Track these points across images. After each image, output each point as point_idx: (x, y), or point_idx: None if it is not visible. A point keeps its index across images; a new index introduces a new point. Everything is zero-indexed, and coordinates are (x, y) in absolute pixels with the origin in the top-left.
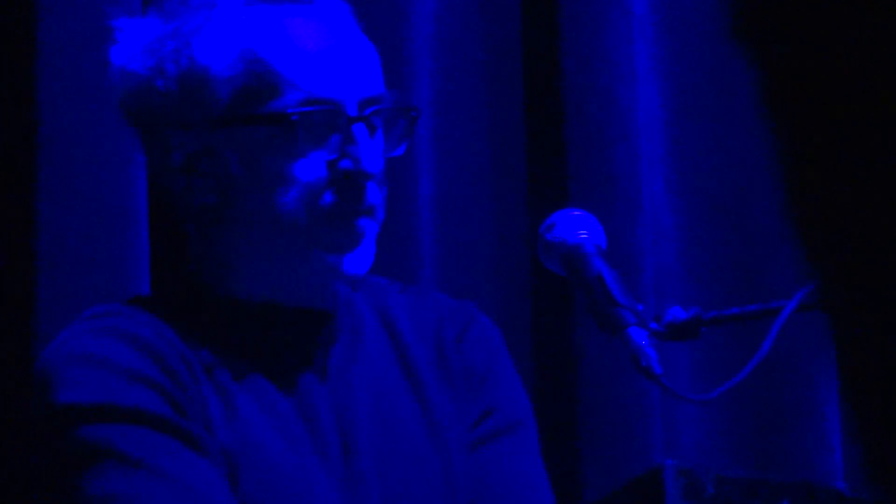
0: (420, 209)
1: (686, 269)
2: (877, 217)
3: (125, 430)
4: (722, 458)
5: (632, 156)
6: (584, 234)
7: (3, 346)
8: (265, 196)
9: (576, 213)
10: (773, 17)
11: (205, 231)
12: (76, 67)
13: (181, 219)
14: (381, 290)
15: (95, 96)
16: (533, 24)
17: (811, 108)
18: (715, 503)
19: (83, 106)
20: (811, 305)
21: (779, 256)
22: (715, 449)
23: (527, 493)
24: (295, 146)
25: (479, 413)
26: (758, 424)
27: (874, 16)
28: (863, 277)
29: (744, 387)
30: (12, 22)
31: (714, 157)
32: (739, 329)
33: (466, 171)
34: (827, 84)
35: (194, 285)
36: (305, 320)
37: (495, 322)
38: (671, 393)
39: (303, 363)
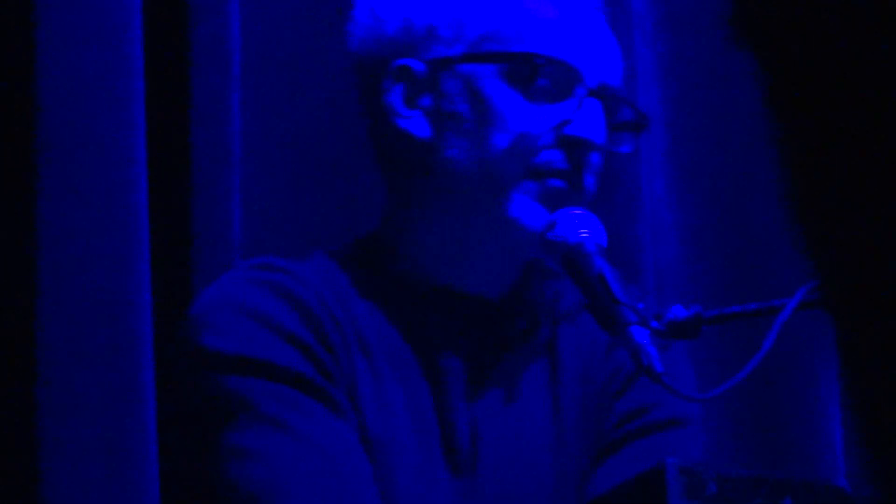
0: None
1: (687, 268)
2: (878, 214)
3: (264, 385)
4: (723, 456)
5: (632, 154)
6: (585, 233)
7: (3, 346)
8: (481, 139)
9: (577, 211)
10: (772, 15)
11: (405, 190)
12: (76, 67)
13: (385, 174)
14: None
15: (95, 96)
16: None
17: (811, 105)
18: (717, 502)
19: (83, 106)
20: (812, 303)
21: (780, 254)
22: (716, 447)
23: None
24: (528, 93)
25: (627, 411)
26: (759, 422)
27: (875, 13)
28: (864, 275)
29: (745, 385)
30: (11, 20)
31: (714, 154)
32: (741, 327)
33: None
34: (827, 81)
35: (375, 252)
36: (473, 310)
37: None
38: (673, 391)
39: (456, 358)
